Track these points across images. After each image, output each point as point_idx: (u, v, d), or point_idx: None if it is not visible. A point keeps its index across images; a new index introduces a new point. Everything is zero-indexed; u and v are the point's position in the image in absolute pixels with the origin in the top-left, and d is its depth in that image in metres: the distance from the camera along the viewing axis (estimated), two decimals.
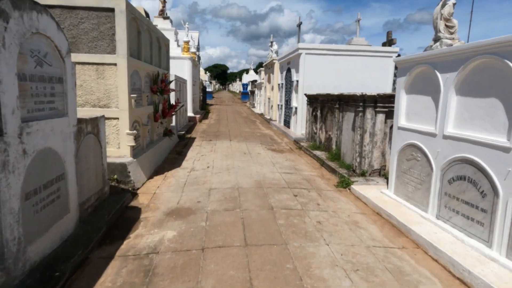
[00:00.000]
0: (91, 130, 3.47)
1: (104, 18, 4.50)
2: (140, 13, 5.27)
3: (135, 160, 4.83)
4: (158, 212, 3.83)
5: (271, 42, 18.49)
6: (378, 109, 5.12)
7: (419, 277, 2.60)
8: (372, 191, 4.52)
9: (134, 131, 4.78)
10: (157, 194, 4.48)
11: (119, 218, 3.62)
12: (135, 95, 4.84)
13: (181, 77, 11.58)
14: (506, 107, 2.68)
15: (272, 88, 15.49)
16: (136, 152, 5.14)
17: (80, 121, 3.22)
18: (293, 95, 11.03)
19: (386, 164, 5.33)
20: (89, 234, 3.07)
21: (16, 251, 2.17)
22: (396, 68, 11.32)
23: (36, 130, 2.40)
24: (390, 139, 5.24)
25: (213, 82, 67.74)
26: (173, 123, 9.16)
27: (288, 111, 11.80)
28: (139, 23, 5.23)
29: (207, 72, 51.17)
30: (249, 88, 34.08)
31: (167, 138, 7.32)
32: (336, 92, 7.12)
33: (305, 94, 9.01)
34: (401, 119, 4.16)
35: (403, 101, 4.13)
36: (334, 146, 6.71)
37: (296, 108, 10.67)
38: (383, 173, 5.32)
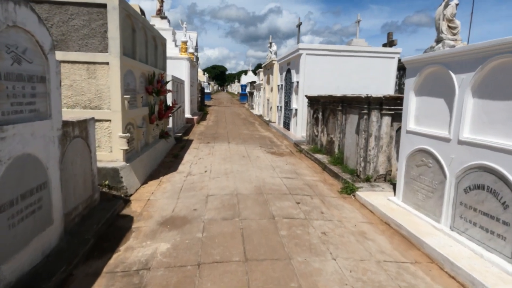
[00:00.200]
0: (78, 134, 3.22)
1: (95, 14, 4.25)
2: (134, 10, 5.02)
3: (128, 164, 4.57)
4: (152, 221, 3.57)
5: (270, 43, 18.27)
6: (384, 112, 4.88)
7: None
8: (379, 198, 4.28)
9: (127, 134, 4.53)
10: (151, 201, 4.22)
11: (109, 228, 3.36)
12: (128, 96, 4.59)
13: (179, 77, 11.32)
14: None
15: (271, 90, 15.25)
16: (129, 155, 4.89)
17: (66, 124, 2.96)
18: (293, 96, 10.79)
19: (392, 169, 5.10)
20: (74, 247, 2.81)
21: None
22: (399, 69, 11.12)
23: (12, 134, 2.15)
24: (396, 142, 5.01)
25: (212, 83, 67.49)
26: (170, 125, 8.90)
27: (288, 113, 11.56)
28: (133, 21, 4.98)
29: (205, 73, 50.92)
30: (247, 89, 33.85)
31: (163, 141, 7.06)
32: (337, 93, 6.89)
33: (306, 96, 8.78)
34: (410, 122, 3.92)
35: (412, 103, 3.90)
36: (336, 150, 6.47)
37: (296, 109, 10.44)
38: (388, 179, 5.09)
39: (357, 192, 4.58)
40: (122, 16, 4.41)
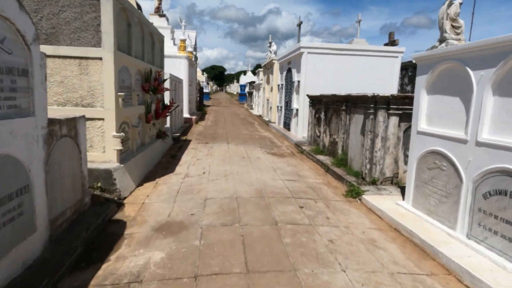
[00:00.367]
0: (67, 133, 2.98)
1: (88, 6, 4.01)
2: (130, 4, 4.78)
3: (122, 165, 4.33)
4: (146, 226, 3.33)
5: (270, 43, 18.06)
6: (391, 111, 4.66)
7: None
8: (386, 203, 4.06)
9: (122, 134, 4.29)
10: (146, 204, 3.98)
11: (100, 234, 3.12)
12: (123, 94, 4.35)
13: (177, 76, 11.08)
14: None
15: (271, 89, 15.02)
16: (124, 156, 4.65)
17: (53, 122, 2.72)
18: (294, 96, 10.56)
19: (399, 172, 4.88)
20: (60, 257, 2.57)
21: None
22: (402, 69, 10.91)
23: None
24: (404, 144, 4.79)
25: (210, 83, 67.21)
26: (168, 124, 8.65)
27: (288, 113, 11.33)
28: (129, 15, 4.74)
29: (204, 73, 50.62)
30: (246, 89, 33.61)
31: (161, 141, 6.82)
32: (339, 92, 6.67)
33: (308, 95, 8.55)
34: (421, 122, 3.70)
35: (423, 102, 3.67)
36: (339, 151, 6.24)
37: (297, 109, 10.20)
38: (395, 182, 4.86)
39: (363, 196, 4.36)
40: (116, 9, 4.17)
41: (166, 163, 6.21)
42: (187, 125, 12.54)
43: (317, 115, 7.81)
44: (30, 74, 2.38)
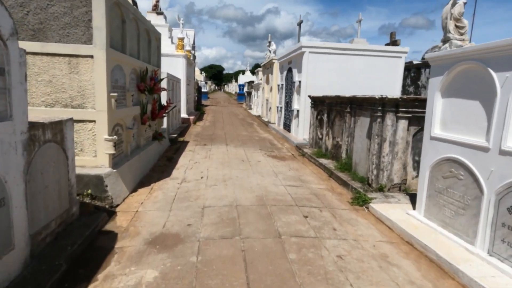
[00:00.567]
0: (51, 138, 2.71)
1: (78, 0, 3.74)
2: None
3: (114, 171, 4.06)
4: (138, 239, 3.07)
5: (269, 42, 17.78)
6: (400, 115, 4.41)
7: None
8: (396, 212, 3.81)
9: (114, 137, 4.02)
10: (139, 213, 3.72)
11: (88, 248, 2.86)
12: (116, 94, 4.08)
13: (175, 75, 10.80)
14: None
15: (271, 89, 14.77)
16: (117, 160, 4.38)
17: (34, 126, 2.45)
18: (295, 96, 10.31)
19: (407, 178, 4.63)
20: (41, 276, 2.30)
21: None
22: (405, 69, 10.67)
23: None
24: (413, 149, 4.55)
25: (209, 82, 66.82)
26: (164, 125, 8.38)
27: (289, 114, 11.08)
28: (123, 10, 4.47)
29: (202, 72, 50.28)
30: (245, 89, 33.35)
31: (157, 142, 6.55)
32: (341, 93, 6.42)
33: (309, 96, 8.30)
34: (435, 127, 3.45)
35: (438, 106, 3.43)
36: (343, 155, 6.00)
37: (298, 110, 9.95)
38: (403, 188, 4.62)
39: (370, 204, 4.11)
40: (109, 4, 3.90)
41: (163, 166, 5.94)
42: (185, 125, 12.27)
43: (319, 117, 7.56)
44: (7, 73, 2.11)
